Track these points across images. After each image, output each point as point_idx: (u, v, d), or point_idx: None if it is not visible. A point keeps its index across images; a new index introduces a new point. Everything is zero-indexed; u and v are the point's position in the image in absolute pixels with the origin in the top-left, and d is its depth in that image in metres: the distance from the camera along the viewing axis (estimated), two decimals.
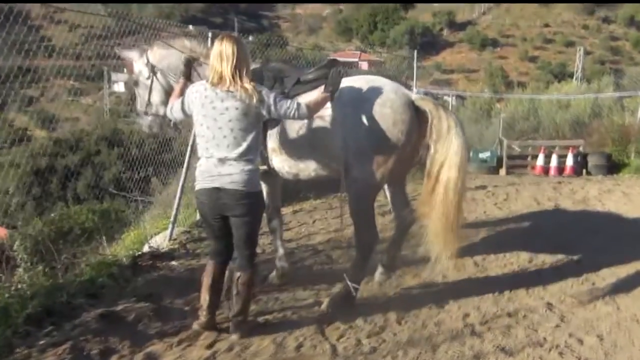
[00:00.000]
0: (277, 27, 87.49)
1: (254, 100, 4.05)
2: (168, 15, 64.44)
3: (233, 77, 4.01)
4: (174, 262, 6.01)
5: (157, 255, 6.14)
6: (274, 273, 5.53)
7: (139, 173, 9.24)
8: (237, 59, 4.00)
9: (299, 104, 4.24)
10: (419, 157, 4.87)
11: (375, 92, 4.64)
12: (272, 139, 4.92)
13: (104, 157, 18.16)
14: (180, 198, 6.97)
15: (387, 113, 4.57)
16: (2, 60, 5.93)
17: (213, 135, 4.05)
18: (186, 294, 5.04)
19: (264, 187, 5.14)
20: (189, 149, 6.91)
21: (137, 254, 6.11)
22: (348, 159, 4.62)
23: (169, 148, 8.40)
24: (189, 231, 7.22)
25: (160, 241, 6.74)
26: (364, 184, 4.68)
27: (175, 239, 6.88)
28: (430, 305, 5.03)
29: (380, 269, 5.51)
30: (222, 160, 4.05)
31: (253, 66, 5.01)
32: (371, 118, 4.55)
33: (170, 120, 4.96)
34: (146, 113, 5.36)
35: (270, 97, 4.14)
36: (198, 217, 7.62)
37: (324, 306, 4.82)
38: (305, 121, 4.63)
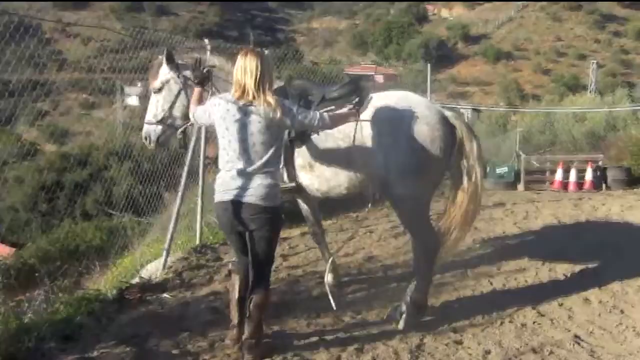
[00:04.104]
0: (292, 41, 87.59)
1: (278, 114, 4.06)
2: (184, 29, 64.74)
3: (257, 92, 4.03)
4: (165, 295, 5.56)
5: (147, 287, 5.68)
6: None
7: (150, 188, 8.84)
8: (260, 74, 4.03)
9: (321, 116, 4.31)
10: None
11: (410, 109, 4.72)
12: (302, 156, 4.93)
13: (114, 172, 17.84)
14: (176, 222, 6.52)
15: (424, 130, 4.65)
16: (13, 74, 5.67)
17: (234, 148, 4.07)
18: (176, 334, 4.62)
19: (300, 203, 5.56)
20: (185, 169, 6.48)
21: (124, 286, 5.66)
22: (388, 177, 4.68)
23: (181, 162, 7.99)
24: (187, 258, 6.75)
25: (154, 269, 6.29)
26: (413, 201, 4.76)
27: (170, 267, 6.41)
28: (447, 342, 4.63)
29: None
30: (241, 174, 4.06)
31: (277, 84, 5.10)
32: (409, 135, 4.63)
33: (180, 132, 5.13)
34: (160, 122, 5.06)
35: (293, 108, 4.21)
36: (198, 241, 7.21)
37: (399, 325, 4.85)
38: (339, 139, 4.73)
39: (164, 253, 6.45)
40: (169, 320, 4.96)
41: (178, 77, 5.02)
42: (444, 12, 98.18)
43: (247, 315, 4.17)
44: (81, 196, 17.22)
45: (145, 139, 5.19)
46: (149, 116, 5.13)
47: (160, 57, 5.14)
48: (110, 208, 12.31)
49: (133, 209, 8.75)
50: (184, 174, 6.61)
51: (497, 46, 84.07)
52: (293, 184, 5.01)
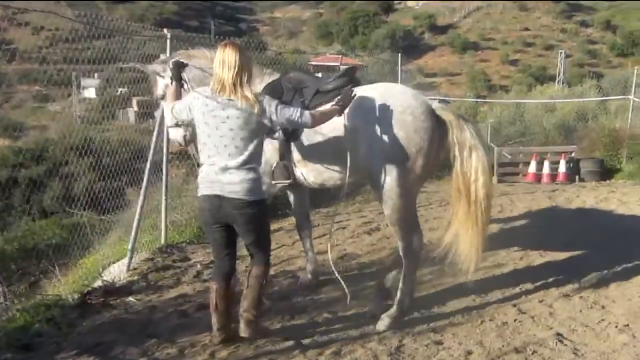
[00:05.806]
0: (255, 31, 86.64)
1: (255, 110, 4.05)
2: (140, 18, 63.25)
3: (234, 86, 4.03)
4: (131, 298, 5.30)
5: (111, 291, 5.40)
6: (305, 276, 5.77)
7: (111, 184, 8.51)
8: (238, 67, 4.03)
9: (302, 112, 4.26)
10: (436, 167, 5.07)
11: (396, 99, 4.68)
12: (297, 151, 4.95)
13: (73, 167, 17.32)
14: (139, 220, 6.23)
15: (409, 120, 4.60)
16: None
17: (214, 143, 4.08)
18: (142, 341, 4.38)
19: (291, 196, 5.69)
20: (147, 165, 6.20)
21: (86, 290, 5.37)
22: (374, 168, 4.66)
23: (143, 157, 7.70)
24: (152, 258, 6.48)
25: (117, 271, 6.02)
26: (397, 193, 4.67)
27: (135, 269, 6.13)
28: (427, 342, 4.50)
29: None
30: (223, 169, 4.07)
31: (274, 77, 5.23)
32: (393, 125, 4.59)
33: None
34: (178, 125, 4.98)
35: (271, 105, 4.15)
36: (163, 241, 6.95)
37: (380, 327, 4.73)
38: (328, 131, 4.69)
39: (128, 253, 6.19)
40: (134, 325, 4.75)
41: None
42: (410, 2, 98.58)
43: (246, 286, 4.24)
44: (38, 193, 16.72)
45: (174, 141, 5.47)
46: (169, 121, 5.17)
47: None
48: (69, 205, 11.88)
49: (93, 207, 8.41)
50: (147, 170, 6.35)
51: (464, 36, 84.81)
52: (290, 180, 5.00)
